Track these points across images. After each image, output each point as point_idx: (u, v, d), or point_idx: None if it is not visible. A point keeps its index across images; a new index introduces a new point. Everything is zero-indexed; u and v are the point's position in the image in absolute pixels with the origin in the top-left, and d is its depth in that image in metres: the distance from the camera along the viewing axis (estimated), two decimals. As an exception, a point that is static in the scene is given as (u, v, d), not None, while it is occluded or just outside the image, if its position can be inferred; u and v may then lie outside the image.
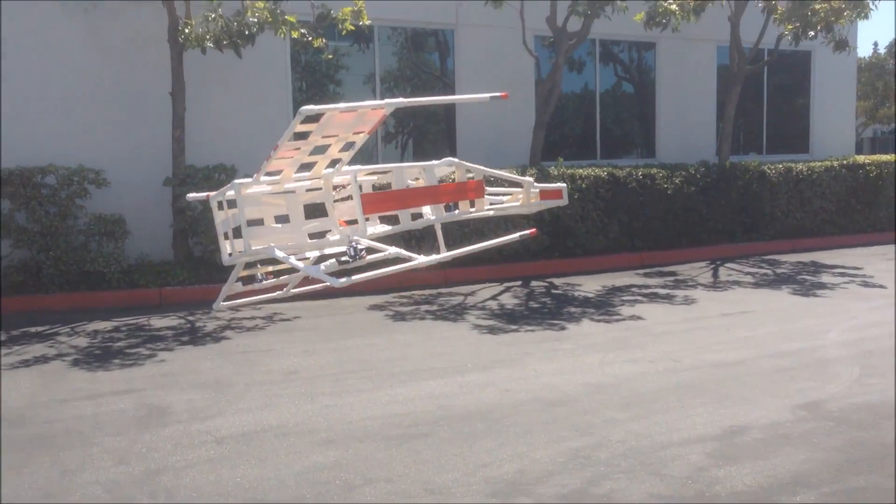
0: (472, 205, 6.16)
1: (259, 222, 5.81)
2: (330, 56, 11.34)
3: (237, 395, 6.12)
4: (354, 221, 5.72)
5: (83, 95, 10.58)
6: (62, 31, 10.42)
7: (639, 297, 9.81)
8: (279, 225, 5.83)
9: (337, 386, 6.31)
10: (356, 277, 5.52)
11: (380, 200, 5.65)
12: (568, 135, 14.91)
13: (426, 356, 7.21)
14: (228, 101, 11.34)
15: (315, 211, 6.73)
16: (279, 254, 5.49)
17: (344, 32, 10.77)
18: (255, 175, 5.47)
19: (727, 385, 6.14)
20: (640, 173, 12.68)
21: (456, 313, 9.05)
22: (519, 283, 10.94)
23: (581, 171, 12.25)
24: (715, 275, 11.52)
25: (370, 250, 5.87)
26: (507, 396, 5.97)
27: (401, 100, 5.44)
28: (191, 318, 8.93)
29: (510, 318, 8.71)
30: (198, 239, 10.44)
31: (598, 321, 8.51)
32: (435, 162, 6.02)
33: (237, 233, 5.69)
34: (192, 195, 6.03)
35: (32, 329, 8.39)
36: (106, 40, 10.65)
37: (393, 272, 5.93)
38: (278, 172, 5.66)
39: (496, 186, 7.33)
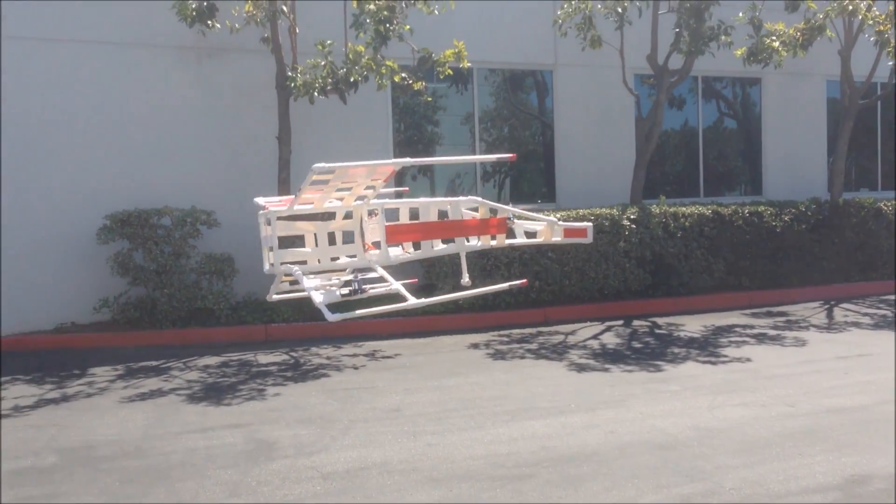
0: (493, 239, 6.41)
1: (299, 243, 6.09)
2: (429, 98, 11.56)
3: (341, 432, 6.19)
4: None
5: (196, 140, 11.06)
6: (178, 79, 10.94)
7: (746, 338, 9.47)
8: (307, 248, 6.09)
9: (439, 424, 6.31)
10: (356, 313, 5.68)
11: (404, 231, 5.98)
12: (669, 172, 14.66)
13: (528, 396, 7.14)
14: (331, 143, 11.63)
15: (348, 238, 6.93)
16: (295, 272, 5.72)
17: (442, 76, 10.96)
18: (288, 205, 5.79)
19: (847, 432, 5.84)
20: (746, 210, 12.33)
21: (557, 352, 8.95)
22: (621, 322, 10.73)
23: (684, 208, 12.01)
24: (829, 315, 11.03)
25: (380, 281, 5.96)
26: (612, 438, 5.84)
27: (409, 160, 5.74)
28: (294, 354, 9.12)
29: (613, 358, 8.55)
30: (302, 277, 10.68)
31: (705, 362, 8.26)
32: (461, 198, 6.29)
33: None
34: (259, 199, 6.16)
35: (148, 363, 8.73)
36: (217, 88, 11.12)
37: (384, 312, 5.99)
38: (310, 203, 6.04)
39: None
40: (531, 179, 13.76)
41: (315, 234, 6.00)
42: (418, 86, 10.81)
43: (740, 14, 12.37)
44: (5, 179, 10.01)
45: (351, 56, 10.24)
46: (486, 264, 10.78)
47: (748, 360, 8.33)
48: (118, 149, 10.66)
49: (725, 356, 8.51)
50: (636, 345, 9.32)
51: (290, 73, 10.39)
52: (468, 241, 6.21)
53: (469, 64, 11.00)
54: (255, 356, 9.01)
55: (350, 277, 5.85)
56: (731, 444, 5.63)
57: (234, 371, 8.35)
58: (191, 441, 6.06)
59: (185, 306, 9.97)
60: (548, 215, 6.98)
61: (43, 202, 10.22)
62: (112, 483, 5.23)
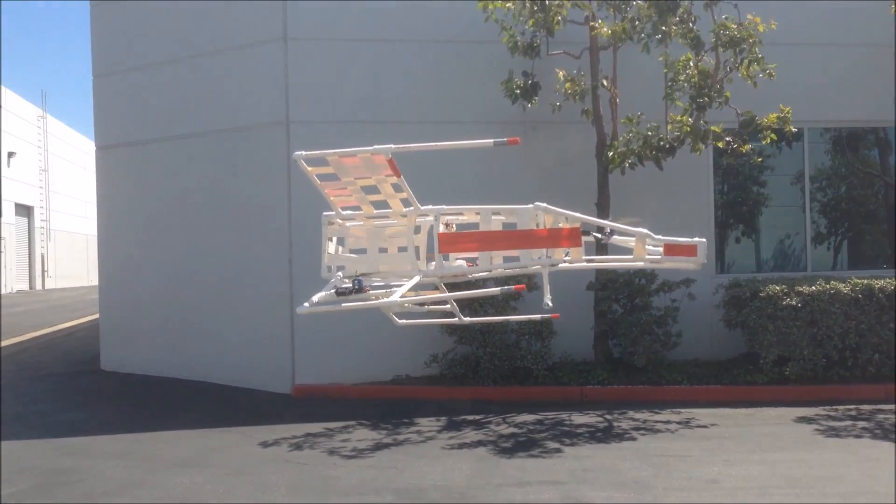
0: (567, 253, 5.49)
1: (361, 250, 5.83)
2: (759, 160, 11.20)
3: (656, 498, 6.14)
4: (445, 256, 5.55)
5: (519, 207, 11.69)
6: (504, 152, 11.66)
7: None
8: (354, 255, 5.79)
9: (761, 500, 6.02)
10: (321, 308, 5.43)
11: (458, 241, 5.42)
12: None
13: (864, 478, 6.55)
14: (650, 207, 11.64)
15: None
16: (326, 275, 5.55)
17: (766, 141, 10.58)
18: (334, 211, 5.63)
19: None
20: None
21: (900, 435, 8.07)
22: (982, 405, 9.39)
23: None
24: None
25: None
26: (967, 536, 5.16)
27: (392, 146, 5.16)
28: (609, 416, 9.17)
29: (971, 446, 7.52)
30: (617, 341, 10.77)
31: None
32: (525, 206, 5.44)
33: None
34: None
35: (470, 417, 9.31)
36: (540, 158, 11.69)
37: (359, 307, 5.57)
38: (358, 208, 5.73)
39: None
40: (873, 242, 12.66)
41: (364, 241, 5.73)
42: (746, 149, 10.55)
43: None
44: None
45: (670, 124, 10.31)
46: (819, 334, 10.07)
47: None
48: (450, 217, 11.61)
49: None
50: None
51: (608, 143, 10.70)
52: (538, 257, 5.43)
53: (794, 128, 10.50)
54: (569, 416, 9.22)
55: (352, 279, 5.52)
56: None
57: (549, 429, 8.61)
58: (510, 493, 6.37)
59: (505, 365, 10.50)
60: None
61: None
62: (439, 525, 5.68)
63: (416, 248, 5.66)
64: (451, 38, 11.55)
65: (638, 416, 9.16)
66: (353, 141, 11.12)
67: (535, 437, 8.25)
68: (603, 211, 10.95)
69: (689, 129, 10.19)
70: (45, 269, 44.77)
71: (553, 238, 5.29)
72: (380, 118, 11.41)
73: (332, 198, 5.54)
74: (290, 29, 11.34)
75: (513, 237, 5.39)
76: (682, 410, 9.34)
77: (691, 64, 10.07)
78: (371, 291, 5.57)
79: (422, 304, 6.10)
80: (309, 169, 5.31)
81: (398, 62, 11.56)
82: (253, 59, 11.66)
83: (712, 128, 10.32)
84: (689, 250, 5.33)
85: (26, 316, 23.28)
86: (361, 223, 5.77)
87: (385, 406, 10.03)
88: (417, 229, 5.77)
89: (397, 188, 5.44)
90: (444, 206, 5.59)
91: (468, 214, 5.79)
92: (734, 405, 9.58)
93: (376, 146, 5.08)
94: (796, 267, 12.33)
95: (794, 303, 10.04)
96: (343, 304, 5.46)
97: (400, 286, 5.45)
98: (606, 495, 6.25)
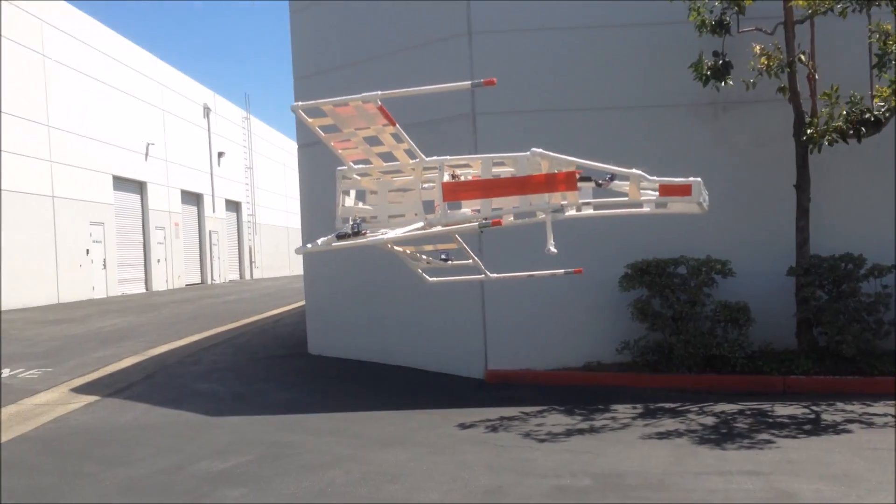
0: (564, 199, 5.40)
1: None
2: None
3: (868, 491, 5.87)
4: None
5: (711, 192, 11.35)
6: (694, 132, 11.41)
7: None
8: (367, 207, 6.06)
9: None
10: (317, 248, 5.68)
11: (461, 189, 5.60)
12: None
13: None
14: (854, 188, 10.99)
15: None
16: (339, 226, 5.77)
17: None
18: (346, 166, 5.85)
19: None
20: None
21: None
22: None
23: None
24: None
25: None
26: None
27: (380, 92, 5.17)
28: (815, 408, 8.77)
29: None
30: (822, 329, 10.25)
31: None
32: (521, 154, 5.45)
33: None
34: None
35: (665, 405, 9.20)
36: (733, 139, 11.31)
37: (351, 245, 5.75)
38: (368, 162, 5.93)
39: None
40: None
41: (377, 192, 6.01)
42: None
43: None
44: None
45: (876, 97, 9.65)
46: None
47: None
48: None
49: None
50: None
51: (807, 121, 10.17)
52: (536, 201, 5.52)
53: None
54: (772, 406, 8.90)
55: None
56: None
57: (750, 419, 8.37)
58: (710, 482, 6.29)
59: (699, 352, 10.27)
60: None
61: (576, 255, 11.42)
62: (639, 510, 5.73)
63: (422, 198, 5.94)
64: (634, 21, 11.37)
65: (848, 407, 8.70)
66: (538, 131, 11.38)
67: (736, 427, 8.05)
68: (803, 193, 10.44)
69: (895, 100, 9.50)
70: (253, 260, 48.29)
71: (550, 183, 5.44)
72: (565, 106, 11.46)
73: (339, 151, 5.83)
74: (473, 23, 11.60)
75: (511, 184, 5.59)
76: (899, 402, 8.78)
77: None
78: (370, 235, 5.86)
79: (410, 242, 6.27)
80: (310, 120, 5.56)
81: (582, 49, 11.53)
82: (440, 55, 12.03)
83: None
84: (685, 190, 5.44)
85: (239, 304, 25.31)
86: (375, 178, 6.09)
87: (577, 392, 10.11)
88: (426, 179, 6.09)
89: (398, 138, 5.68)
90: (448, 157, 5.84)
91: (475, 165, 5.99)
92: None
93: (365, 94, 5.21)
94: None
95: None
96: (335, 244, 5.74)
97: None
98: (815, 488, 6.03)
